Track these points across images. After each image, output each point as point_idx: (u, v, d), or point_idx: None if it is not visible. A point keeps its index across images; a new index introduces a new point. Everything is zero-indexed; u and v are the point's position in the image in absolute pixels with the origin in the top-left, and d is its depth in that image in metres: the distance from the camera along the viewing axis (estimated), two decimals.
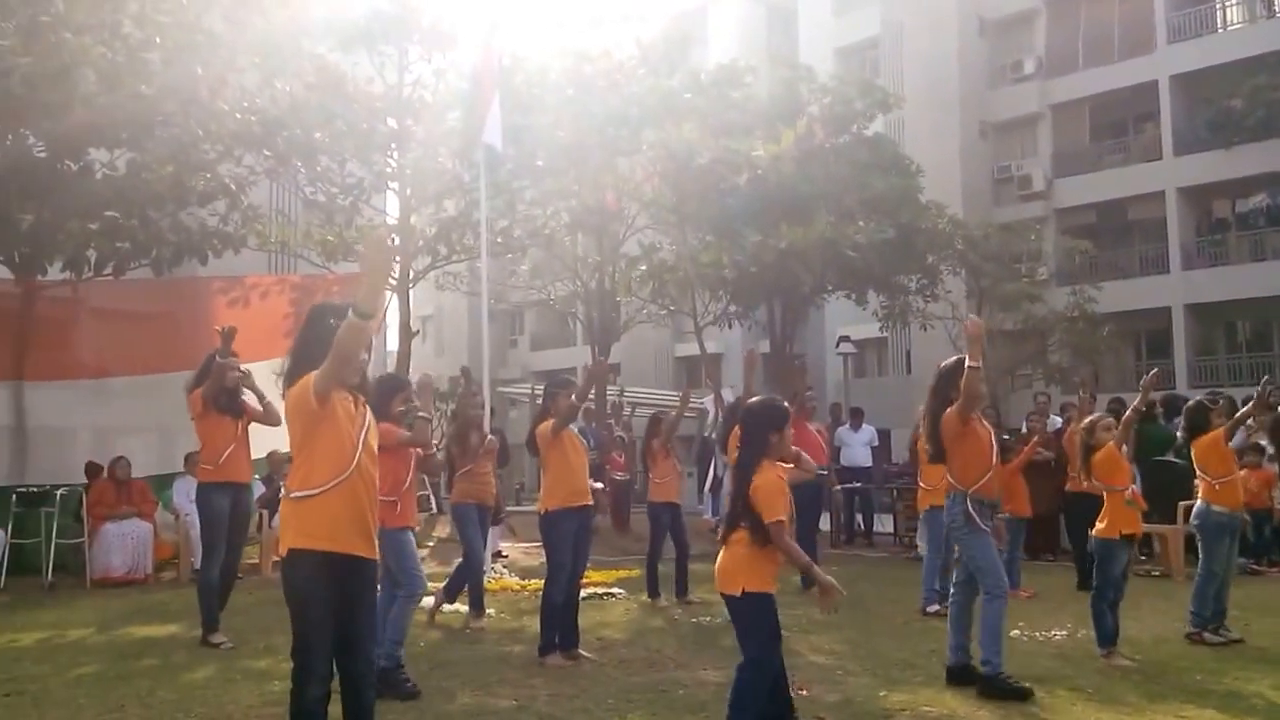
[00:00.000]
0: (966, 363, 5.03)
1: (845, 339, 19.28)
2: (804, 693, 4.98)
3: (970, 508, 5.07)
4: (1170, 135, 25.00)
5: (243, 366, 6.55)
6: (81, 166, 10.53)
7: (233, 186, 11.86)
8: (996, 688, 4.92)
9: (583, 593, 6.38)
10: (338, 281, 13.10)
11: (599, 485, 9.62)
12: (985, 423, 5.30)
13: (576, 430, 6.29)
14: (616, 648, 6.25)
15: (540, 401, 6.39)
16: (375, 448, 3.52)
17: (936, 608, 7.19)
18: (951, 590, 5.49)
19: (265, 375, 6.97)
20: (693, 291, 15.93)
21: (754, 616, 3.88)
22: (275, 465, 10.36)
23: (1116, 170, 26.20)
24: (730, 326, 17.01)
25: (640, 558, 9.78)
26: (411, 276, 13.53)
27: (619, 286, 15.97)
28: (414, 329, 13.58)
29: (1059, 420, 11.85)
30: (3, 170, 9.67)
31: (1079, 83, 26.72)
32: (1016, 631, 6.59)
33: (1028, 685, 4.96)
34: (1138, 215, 26.27)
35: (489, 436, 7.40)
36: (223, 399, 6.40)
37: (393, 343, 12.91)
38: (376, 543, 3.50)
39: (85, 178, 10.45)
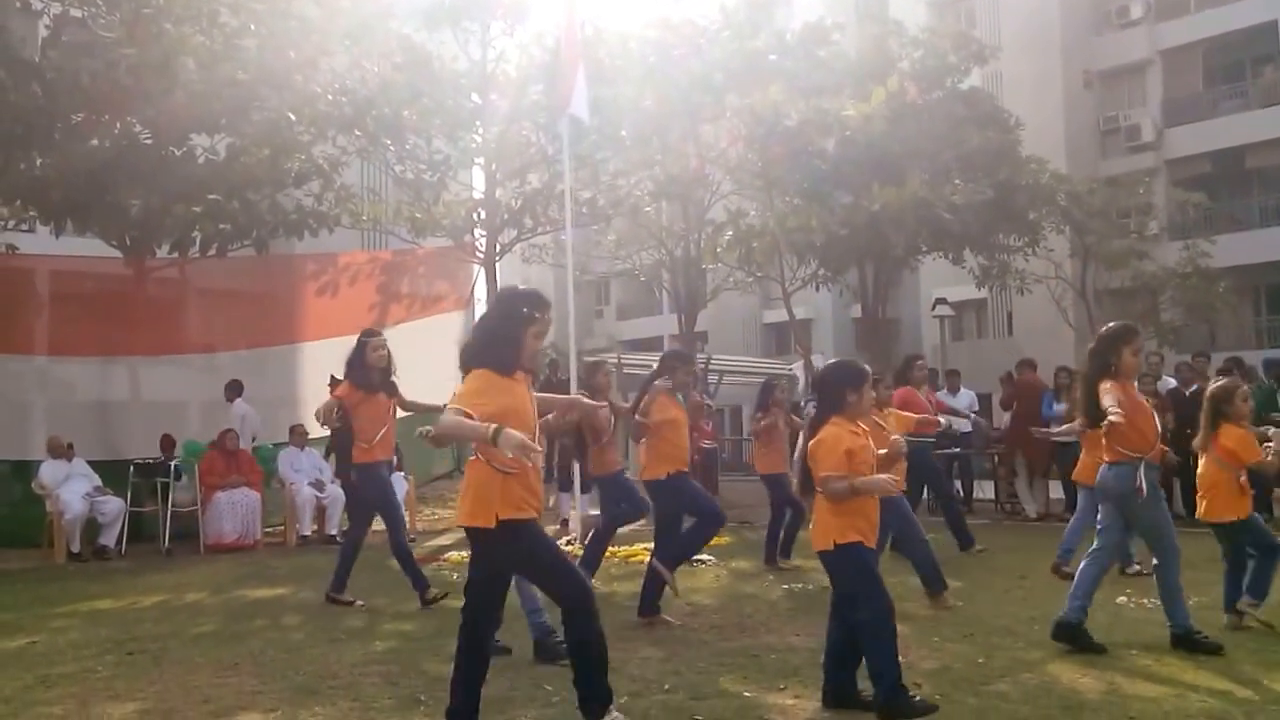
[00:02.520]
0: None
1: (942, 301, 18.71)
2: (900, 659, 4.87)
3: (1146, 474, 5.01)
4: None
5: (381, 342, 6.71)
6: (184, 152, 10.95)
7: (326, 167, 12.20)
8: (1188, 644, 4.95)
9: None
10: (425, 256, 13.34)
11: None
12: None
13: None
14: (707, 613, 6.25)
15: (655, 368, 6.40)
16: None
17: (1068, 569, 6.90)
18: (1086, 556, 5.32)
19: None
20: (780, 256, 15.65)
21: (850, 568, 3.98)
22: None
23: (1233, 117, 24.77)
24: (818, 289, 16.69)
25: (730, 525, 9.77)
26: (498, 250, 13.68)
27: (704, 253, 15.81)
28: None
29: (1172, 381, 11.31)
30: (113, 157, 10.13)
31: (1191, 26, 25.29)
32: (1124, 599, 6.35)
33: (1218, 642, 4.97)
34: (1257, 163, 24.78)
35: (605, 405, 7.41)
36: (375, 378, 6.56)
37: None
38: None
39: (188, 163, 10.87)
